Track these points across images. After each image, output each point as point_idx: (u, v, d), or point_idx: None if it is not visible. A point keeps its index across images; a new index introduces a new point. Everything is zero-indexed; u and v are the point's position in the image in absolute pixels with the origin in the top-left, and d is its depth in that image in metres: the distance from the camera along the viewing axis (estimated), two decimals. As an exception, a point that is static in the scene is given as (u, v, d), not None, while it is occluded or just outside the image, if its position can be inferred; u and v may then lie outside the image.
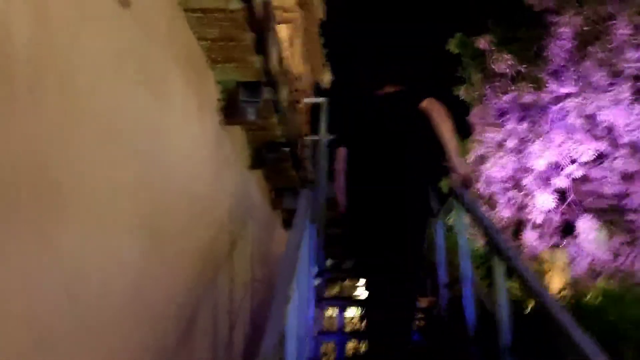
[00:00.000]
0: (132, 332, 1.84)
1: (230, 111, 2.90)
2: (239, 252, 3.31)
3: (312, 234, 3.27)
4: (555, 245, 8.78)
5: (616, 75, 9.14)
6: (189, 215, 2.41)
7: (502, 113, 10.51)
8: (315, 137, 5.86)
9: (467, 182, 2.85)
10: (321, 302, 4.06)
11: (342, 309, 3.88)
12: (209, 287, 2.62)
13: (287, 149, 3.69)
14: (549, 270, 8.14)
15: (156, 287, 2.00)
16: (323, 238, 4.79)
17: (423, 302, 3.55)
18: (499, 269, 2.12)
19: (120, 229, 1.79)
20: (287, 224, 5.22)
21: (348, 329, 5.00)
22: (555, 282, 8.25)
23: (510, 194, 9.96)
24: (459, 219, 2.89)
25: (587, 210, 9.57)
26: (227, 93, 2.89)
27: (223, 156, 3.07)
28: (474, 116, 10.80)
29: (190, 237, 2.40)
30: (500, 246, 2.15)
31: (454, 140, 2.79)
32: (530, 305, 3.02)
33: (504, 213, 9.89)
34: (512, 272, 2.00)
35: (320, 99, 6.25)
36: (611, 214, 9.29)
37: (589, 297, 8.47)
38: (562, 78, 9.86)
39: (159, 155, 2.12)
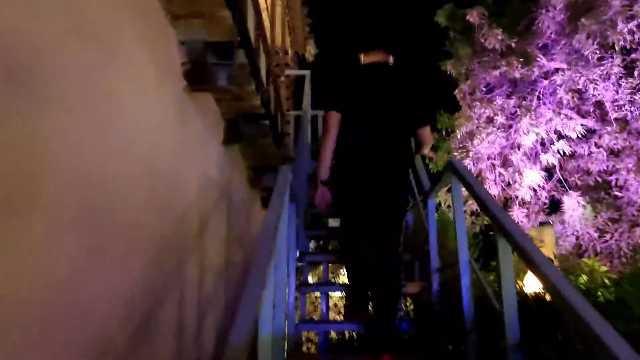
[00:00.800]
0: (72, 330, 1.54)
1: (197, 76, 2.52)
2: (210, 235, 3.00)
3: (292, 214, 2.98)
4: (543, 223, 8.62)
5: (607, 48, 8.92)
6: (147, 197, 2.09)
7: (491, 89, 10.26)
8: (298, 112, 5.53)
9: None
10: (303, 287, 3.81)
11: (326, 295, 3.62)
12: (172, 276, 2.31)
13: (266, 122, 3.34)
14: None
15: (101, 278, 1.69)
16: (305, 218, 4.52)
17: (412, 288, 3.29)
18: (505, 253, 1.85)
19: (54, 215, 1.47)
20: (267, 204, 4.92)
21: (333, 315, 4.76)
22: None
23: (499, 171, 9.77)
24: (456, 196, 2.59)
25: (574, 187, 9.45)
26: (194, 55, 2.52)
27: (191, 129, 2.73)
28: (462, 92, 10.52)
29: (148, 221, 2.08)
30: (507, 226, 1.88)
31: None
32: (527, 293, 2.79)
33: (492, 190, 9.70)
34: (523, 258, 1.73)
35: (304, 72, 5.89)
36: (598, 191, 9.18)
37: (578, 276, 8.38)
38: (552, 52, 9.61)
39: (108, 126, 1.79)
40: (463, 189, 2.56)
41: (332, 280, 6.07)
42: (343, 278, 6.85)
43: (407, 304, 3.40)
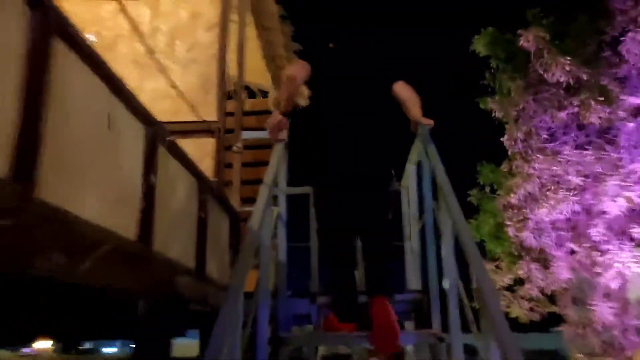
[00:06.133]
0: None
1: None
2: None
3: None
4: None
5: None
6: None
7: (552, 134, 7.71)
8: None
9: None
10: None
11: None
12: None
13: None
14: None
15: None
16: None
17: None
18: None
19: None
20: None
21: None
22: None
23: (570, 246, 7.12)
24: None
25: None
26: None
27: None
28: (512, 139, 7.96)
29: None
30: None
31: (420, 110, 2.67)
32: None
33: (562, 274, 7.04)
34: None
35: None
36: None
37: None
38: (634, 85, 7.07)
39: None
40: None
41: None
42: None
43: None
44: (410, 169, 3.46)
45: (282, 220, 3.06)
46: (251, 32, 4.39)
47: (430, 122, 2.71)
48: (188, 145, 3.52)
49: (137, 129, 1.75)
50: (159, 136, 1.88)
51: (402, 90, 2.71)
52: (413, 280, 3.26)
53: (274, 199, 3.11)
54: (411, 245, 3.47)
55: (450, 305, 2.26)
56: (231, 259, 2.95)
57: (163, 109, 3.43)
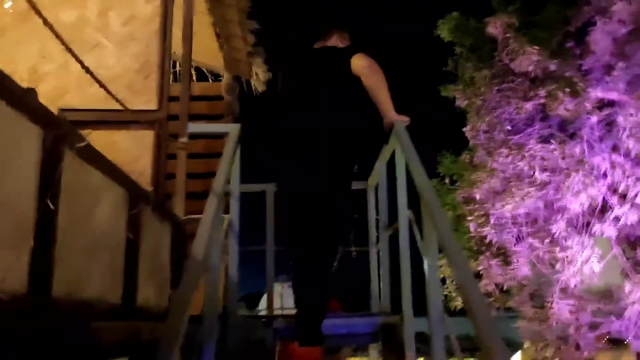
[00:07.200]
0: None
1: None
2: None
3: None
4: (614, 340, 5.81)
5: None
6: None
7: (514, 126, 7.51)
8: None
9: None
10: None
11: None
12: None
13: None
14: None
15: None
16: None
17: None
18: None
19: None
20: None
21: None
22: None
23: (530, 242, 6.98)
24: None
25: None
26: None
27: None
28: (474, 130, 7.72)
29: None
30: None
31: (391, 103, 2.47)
32: None
33: (521, 270, 6.90)
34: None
35: (225, 126, 3.11)
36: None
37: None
38: (607, 79, 6.88)
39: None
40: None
41: None
42: None
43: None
44: (380, 167, 3.06)
45: (234, 230, 2.61)
46: (201, 5, 3.85)
47: (406, 119, 2.47)
48: (124, 138, 3.00)
49: (29, 134, 1.25)
50: (66, 140, 1.38)
51: (370, 80, 2.44)
52: (379, 299, 2.88)
53: (226, 195, 2.66)
54: (378, 254, 3.09)
55: (436, 346, 1.89)
56: (174, 276, 2.47)
57: (92, 95, 2.88)
